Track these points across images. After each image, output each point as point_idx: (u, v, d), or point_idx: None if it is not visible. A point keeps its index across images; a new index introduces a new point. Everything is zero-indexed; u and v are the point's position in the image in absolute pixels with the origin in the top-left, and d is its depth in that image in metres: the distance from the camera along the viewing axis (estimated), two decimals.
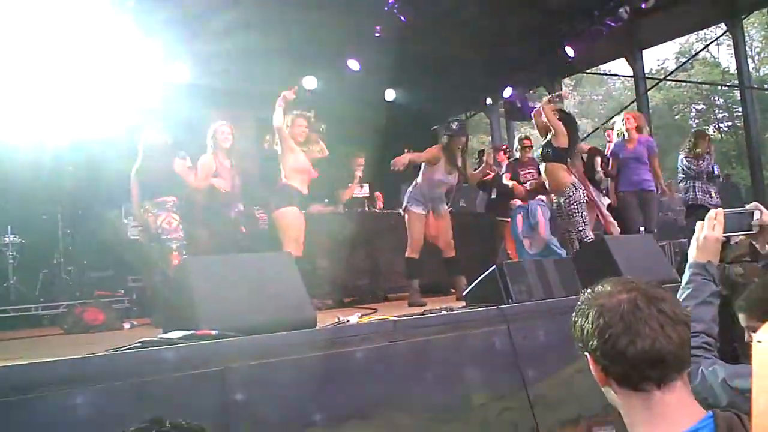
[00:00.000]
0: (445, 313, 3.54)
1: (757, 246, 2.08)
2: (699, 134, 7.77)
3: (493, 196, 7.96)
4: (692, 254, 1.94)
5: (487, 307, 3.68)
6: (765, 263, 2.22)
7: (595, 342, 1.32)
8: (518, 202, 7.13)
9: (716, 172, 7.67)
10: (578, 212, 6.15)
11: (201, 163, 5.86)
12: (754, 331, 2.55)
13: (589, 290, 1.42)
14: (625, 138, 7.26)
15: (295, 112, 5.92)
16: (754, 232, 1.98)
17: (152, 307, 5.42)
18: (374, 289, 7.25)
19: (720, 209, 1.96)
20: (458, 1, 11.78)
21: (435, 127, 6.11)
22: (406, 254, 5.82)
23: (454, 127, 5.88)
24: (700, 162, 7.49)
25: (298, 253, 5.62)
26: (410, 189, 5.95)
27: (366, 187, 7.55)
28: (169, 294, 3.49)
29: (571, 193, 6.16)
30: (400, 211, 6.06)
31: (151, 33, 8.14)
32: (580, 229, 6.13)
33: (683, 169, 7.60)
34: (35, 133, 7.98)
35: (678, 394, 1.27)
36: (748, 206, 2.01)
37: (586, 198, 6.34)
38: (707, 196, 7.62)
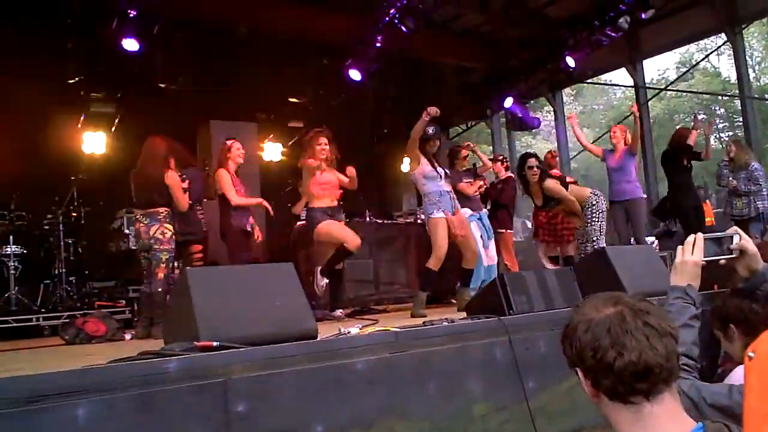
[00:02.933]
0: (447, 324, 3.54)
1: (738, 269, 2.11)
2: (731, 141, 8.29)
3: (488, 207, 8.01)
4: (673, 278, 1.96)
5: (487, 318, 3.68)
6: (745, 286, 2.26)
7: (583, 356, 1.35)
8: (469, 211, 6.97)
9: (730, 185, 7.80)
10: (598, 221, 6.20)
11: (225, 179, 5.90)
12: (719, 338, 2.59)
13: (577, 306, 1.45)
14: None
15: (316, 129, 6.02)
16: (734, 256, 2.00)
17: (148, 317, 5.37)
18: (375, 300, 7.26)
19: (699, 234, 1.98)
20: (459, 11, 11.86)
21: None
22: (429, 264, 5.73)
23: (430, 131, 5.92)
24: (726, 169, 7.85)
25: (356, 242, 5.73)
26: (424, 203, 5.92)
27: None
28: (169, 305, 3.49)
29: (594, 202, 6.25)
30: (426, 226, 5.98)
31: (152, 40, 8.19)
32: (595, 238, 6.17)
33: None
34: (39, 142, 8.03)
35: (667, 405, 1.29)
36: (727, 231, 2.03)
37: (606, 206, 6.38)
38: (729, 207, 7.77)
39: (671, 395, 1.30)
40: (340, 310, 5.86)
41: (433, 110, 5.67)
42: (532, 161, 6.47)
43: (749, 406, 1.17)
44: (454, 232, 5.74)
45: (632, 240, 6.86)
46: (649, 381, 1.27)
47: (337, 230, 5.75)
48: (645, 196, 7.15)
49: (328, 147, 5.89)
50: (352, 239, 5.68)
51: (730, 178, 7.72)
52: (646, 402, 1.28)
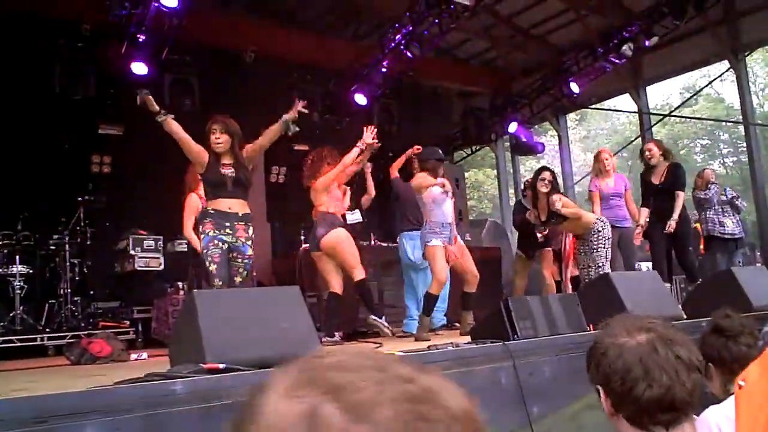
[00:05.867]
0: (451, 348, 3.55)
1: None
2: (697, 174, 8.54)
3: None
4: None
5: (492, 343, 3.69)
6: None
7: (610, 380, 1.35)
8: None
9: (729, 196, 8.15)
10: (604, 247, 6.19)
11: (189, 206, 5.91)
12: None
13: (606, 325, 1.45)
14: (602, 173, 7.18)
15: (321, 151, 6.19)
16: None
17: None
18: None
19: None
20: (464, 37, 12.00)
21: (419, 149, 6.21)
22: (430, 289, 5.74)
23: (436, 154, 6.06)
24: (706, 192, 8.07)
25: (362, 273, 5.75)
26: (423, 230, 5.92)
27: (357, 212, 7.46)
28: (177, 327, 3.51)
29: (600, 228, 6.24)
30: (421, 256, 6.01)
31: (160, 63, 8.27)
32: (600, 264, 6.15)
33: (695, 204, 8.26)
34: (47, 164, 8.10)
35: None
36: None
37: (610, 234, 6.36)
38: (719, 226, 7.84)
39: (690, 424, 1.32)
40: (338, 334, 5.83)
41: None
42: (546, 174, 6.55)
43: (740, 430, 1.18)
44: (450, 260, 5.77)
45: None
46: (672, 413, 1.28)
47: (349, 249, 5.75)
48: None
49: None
50: (359, 269, 5.71)
51: (718, 195, 8.09)
52: (665, 431, 1.30)
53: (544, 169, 6.75)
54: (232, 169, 4.78)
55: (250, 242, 4.74)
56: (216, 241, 4.65)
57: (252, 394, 0.67)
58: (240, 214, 4.76)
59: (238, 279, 4.71)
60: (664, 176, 6.92)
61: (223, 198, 4.74)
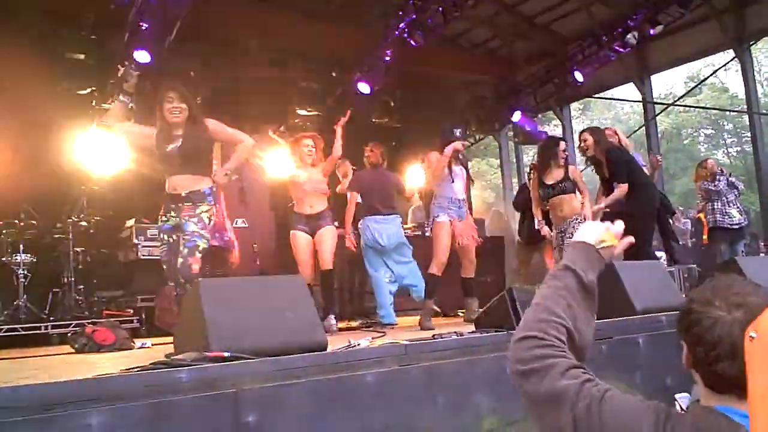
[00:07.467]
0: (456, 337, 3.55)
1: None
2: (698, 164, 8.68)
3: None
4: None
5: (497, 331, 3.69)
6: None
7: (696, 349, 1.33)
8: None
9: (737, 186, 8.28)
10: None
11: None
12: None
13: (702, 288, 1.40)
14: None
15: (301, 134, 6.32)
16: None
17: None
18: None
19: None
20: (468, 26, 11.94)
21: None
22: (431, 270, 5.69)
23: (457, 133, 5.93)
24: (716, 184, 8.14)
25: (308, 278, 5.72)
26: (432, 204, 5.90)
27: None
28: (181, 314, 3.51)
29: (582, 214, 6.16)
30: (426, 230, 5.96)
31: (163, 52, 8.25)
32: None
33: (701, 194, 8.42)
34: (49, 152, 8.09)
35: None
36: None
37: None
38: (728, 217, 7.85)
39: None
40: (332, 316, 5.81)
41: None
42: (563, 144, 6.28)
43: (755, 387, 1.15)
44: (458, 240, 5.75)
45: None
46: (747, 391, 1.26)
47: (297, 250, 5.87)
48: None
49: (314, 149, 6.08)
50: (303, 273, 5.73)
51: (725, 185, 8.19)
52: (735, 400, 1.28)
53: (561, 139, 6.51)
54: (180, 142, 4.29)
55: (195, 219, 4.22)
56: (162, 235, 4.40)
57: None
58: (184, 194, 4.29)
59: (179, 259, 4.22)
60: (608, 169, 6.43)
61: (173, 176, 4.32)
